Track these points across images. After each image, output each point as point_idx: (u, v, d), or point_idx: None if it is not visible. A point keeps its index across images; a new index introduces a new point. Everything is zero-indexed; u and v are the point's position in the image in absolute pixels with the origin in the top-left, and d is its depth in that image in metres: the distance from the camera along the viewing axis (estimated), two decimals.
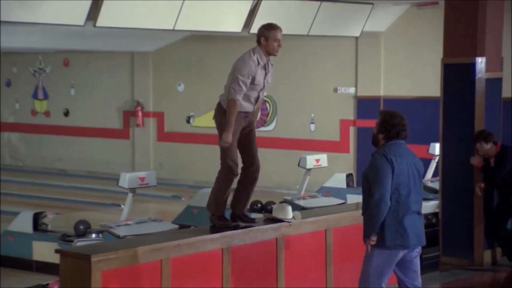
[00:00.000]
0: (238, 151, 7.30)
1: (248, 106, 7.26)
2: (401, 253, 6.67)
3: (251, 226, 7.46)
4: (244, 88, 7.10)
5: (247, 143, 7.35)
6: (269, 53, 7.20)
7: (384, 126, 6.67)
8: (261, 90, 7.33)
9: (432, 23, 14.07)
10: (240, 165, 7.33)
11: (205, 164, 18.61)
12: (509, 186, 9.69)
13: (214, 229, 7.35)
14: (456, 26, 9.71)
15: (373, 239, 6.60)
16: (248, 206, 7.72)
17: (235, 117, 7.07)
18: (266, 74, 7.26)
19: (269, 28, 7.18)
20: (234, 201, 7.49)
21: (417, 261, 6.84)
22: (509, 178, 9.73)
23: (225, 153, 7.16)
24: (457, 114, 9.86)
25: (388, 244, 6.56)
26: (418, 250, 6.79)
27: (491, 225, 9.80)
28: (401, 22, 16.13)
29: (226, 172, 7.21)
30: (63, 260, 6.57)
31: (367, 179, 6.60)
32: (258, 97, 7.34)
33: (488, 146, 9.58)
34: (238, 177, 7.30)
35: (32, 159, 22.20)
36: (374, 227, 6.58)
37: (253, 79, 7.14)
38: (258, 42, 7.20)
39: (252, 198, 13.95)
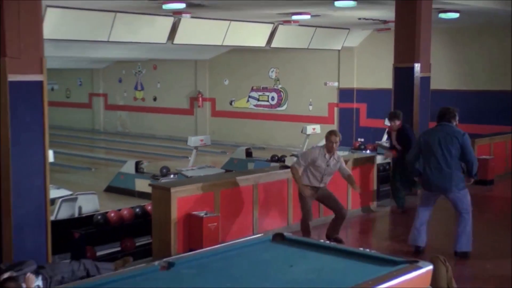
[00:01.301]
0: (320, 203, 6.87)
1: (314, 182, 6.64)
2: (431, 194, 6.33)
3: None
4: (302, 162, 6.56)
5: (325, 199, 6.80)
6: (327, 150, 6.58)
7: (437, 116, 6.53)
8: (324, 174, 6.62)
9: (386, 41, 13.87)
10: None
11: (241, 131, 18.58)
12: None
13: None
14: (401, 43, 9.61)
15: (416, 179, 6.55)
16: (338, 233, 6.76)
17: (299, 180, 6.56)
18: (327, 163, 6.58)
19: (328, 134, 6.60)
20: (328, 228, 6.86)
21: (459, 198, 6.19)
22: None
23: (301, 207, 6.73)
24: (403, 100, 9.74)
25: (421, 187, 6.56)
26: (456, 192, 6.16)
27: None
28: (367, 40, 15.95)
29: (303, 218, 6.72)
30: (154, 190, 6.69)
31: None
32: (322, 177, 6.62)
33: (398, 123, 8.44)
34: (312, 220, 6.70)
35: (134, 127, 22.27)
36: (410, 173, 6.63)
37: (314, 161, 6.55)
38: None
39: (271, 153, 13.91)
